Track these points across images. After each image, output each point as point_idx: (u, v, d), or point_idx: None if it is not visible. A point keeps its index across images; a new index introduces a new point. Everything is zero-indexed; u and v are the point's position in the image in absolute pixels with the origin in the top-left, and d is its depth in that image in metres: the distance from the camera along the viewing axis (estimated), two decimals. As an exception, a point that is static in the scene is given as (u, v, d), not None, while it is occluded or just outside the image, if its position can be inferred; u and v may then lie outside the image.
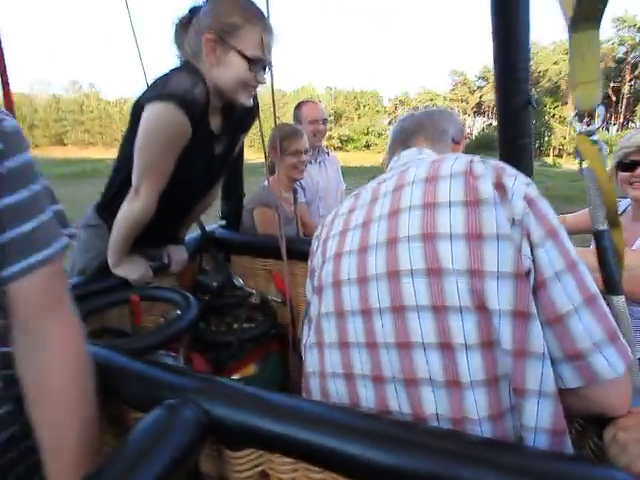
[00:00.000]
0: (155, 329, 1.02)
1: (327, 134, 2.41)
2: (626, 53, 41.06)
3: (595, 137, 0.71)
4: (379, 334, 0.59)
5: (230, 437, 0.57)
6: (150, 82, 1.03)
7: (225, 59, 1.01)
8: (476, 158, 0.63)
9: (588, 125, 0.71)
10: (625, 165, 1.30)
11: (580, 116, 0.71)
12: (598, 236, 0.72)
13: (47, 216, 0.59)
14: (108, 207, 1.16)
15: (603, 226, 0.71)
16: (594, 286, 0.55)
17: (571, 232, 1.39)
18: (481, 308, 0.53)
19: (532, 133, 1.29)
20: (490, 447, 0.49)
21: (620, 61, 40.92)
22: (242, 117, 1.20)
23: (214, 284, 1.40)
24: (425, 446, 0.49)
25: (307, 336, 0.72)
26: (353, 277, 0.63)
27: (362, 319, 0.61)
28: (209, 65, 1.02)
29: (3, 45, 0.99)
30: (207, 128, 1.08)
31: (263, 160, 1.60)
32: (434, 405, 0.55)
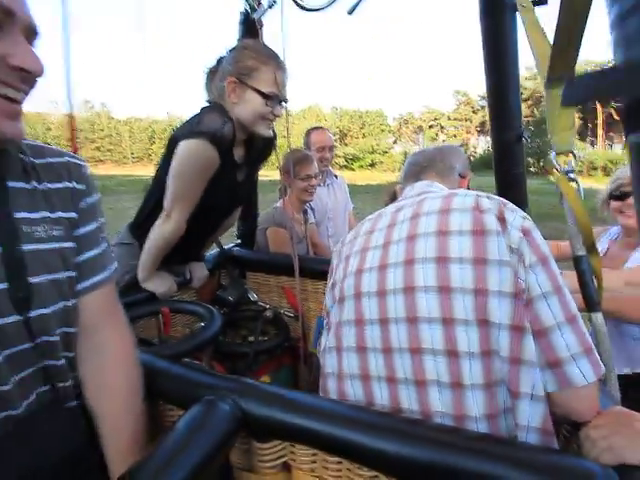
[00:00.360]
0: (187, 337, 1.13)
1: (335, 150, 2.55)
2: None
3: (572, 175, 0.82)
4: (394, 340, 0.69)
5: (259, 430, 0.67)
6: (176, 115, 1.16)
7: (244, 97, 1.15)
8: (482, 194, 0.75)
9: (566, 165, 0.83)
10: (616, 196, 1.41)
11: (558, 157, 0.83)
12: (577, 261, 0.83)
13: (106, 243, 0.73)
14: (141, 227, 1.28)
15: (581, 252, 0.82)
16: (575, 308, 0.65)
17: (559, 259, 1.49)
18: (483, 322, 0.63)
19: (524, 163, 1.41)
20: (483, 441, 0.59)
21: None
22: (261, 149, 1.34)
23: (231, 298, 1.51)
24: (427, 439, 0.58)
25: (326, 341, 0.82)
26: (373, 290, 0.73)
27: (380, 327, 0.71)
28: (232, 104, 1.16)
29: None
30: (232, 159, 1.21)
31: (269, 178, 1.73)
32: (439, 403, 0.65)
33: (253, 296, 1.66)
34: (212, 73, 1.23)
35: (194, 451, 0.59)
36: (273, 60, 1.15)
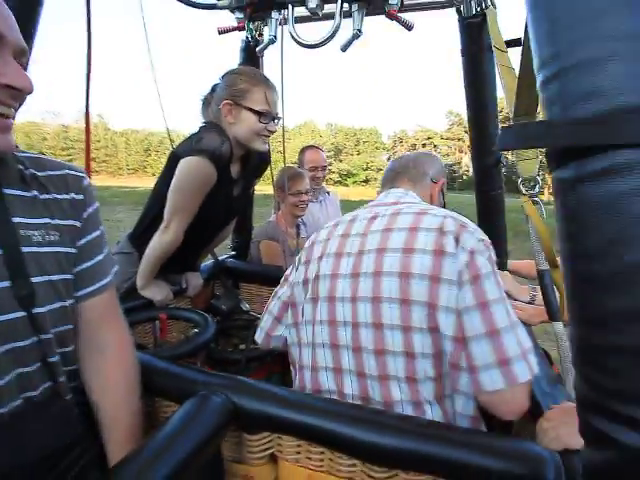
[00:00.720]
0: (183, 341, 1.19)
1: (327, 169, 2.65)
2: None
3: (535, 199, 0.92)
4: (363, 341, 0.80)
5: (249, 422, 0.74)
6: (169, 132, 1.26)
7: (240, 116, 1.25)
8: (450, 214, 0.84)
9: (532, 189, 0.93)
10: None
11: (524, 183, 0.92)
12: (540, 275, 0.92)
13: (107, 250, 0.79)
14: (140, 238, 1.35)
15: (544, 266, 0.91)
16: (502, 323, 0.72)
17: (519, 275, 1.59)
18: (434, 330, 0.75)
19: (502, 185, 1.52)
20: (446, 429, 0.67)
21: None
22: (257, 165, 1.43)
23: (224, 307, 1.57)
24: (390, 426, 0.66)
25: (291, 334, 0.96)
26: (347, 296, 0.83)
27: (351, 329, 0.82)
28: (229, 124, 1.25)
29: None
30: (228, 175, 1.30)
31: (263, 192, 1.82)
32: (399, 394, 0.77)
33: (245, 306, 1.72)
34: (207, 100, 1.34)
35: (187, 440, 0.64)
36: (263, 82, 1.27)
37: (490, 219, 1.56)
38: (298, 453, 0.75)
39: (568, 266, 0.44)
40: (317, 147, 2.53)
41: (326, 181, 2.59)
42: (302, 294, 0.94)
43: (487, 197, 1.53)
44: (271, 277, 1.73)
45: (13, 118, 0.59)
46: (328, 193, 2.48)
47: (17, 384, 0.63)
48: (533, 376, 0.72)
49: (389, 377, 0.78)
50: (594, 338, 0.41)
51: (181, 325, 1.43)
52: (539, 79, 0.46)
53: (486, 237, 0.81)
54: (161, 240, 1.26)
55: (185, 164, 1.18)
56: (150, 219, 1.34)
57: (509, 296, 1.39)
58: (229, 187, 1.34)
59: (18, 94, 0.58)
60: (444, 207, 1.05)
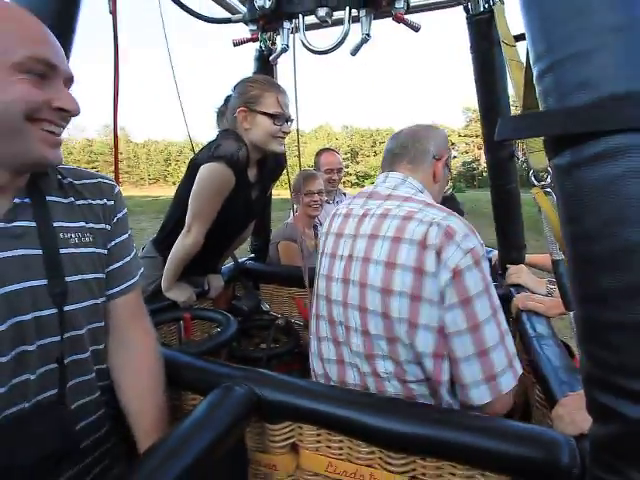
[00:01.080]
0: (206, 339, 1.24)
1: (344, 171, 2.68)
2: None
3: (548, 189, 0.92)
4: (354, 346, 0.88)
5: (271, 412, 0.77)
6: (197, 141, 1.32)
7: (255, 121, 1.30)
8: (438, 217, 0.79)
9: (543, 181, 0.93)
10: None
11: (536, 175, 0.93)
12: (555, 265, 0.92)
13: (134, 252, 0.84)
14: (163, 242, 1.42)
15: (558, 256, 0.92)
16: (491, 342, 0.76)
17: (536, 268, 1.59)
18: (413, 345, 0.79)
19: (517, 179, 1.51)
20: (469, 417, 0.69)
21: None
22: (273, 169, 1.47)
23: (245, 308, 1.62)
24: (407, 413, 0.69)
25: (315, 330, 1.00)
26: (339, 299, 0.90)
27: (345, 331, 0.90)
28: (245, 130, 1.30)
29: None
30: (246, 179, 1.35)
31: (280, 196, 1.86)
32: (383, 367, 0.84)
33: (266, 306, 1.77)
34: (221, 111, 1.41)
35: (210, 429, 0.67)
36: (273, 86, 1.32)
37: (506, 213, 1.56)
38: (318, 442, 0.77)
39: (569, 248, 0.46)
40: (332, 150, 2.56)
41: (343, 183, 2.62)
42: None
43: (502, 191, 1.52)
44: (290, 277, 1.78)
45: (60, 135, 0.67)
46: (344, 194, 2.51)
47: (42, 380, 0.66)
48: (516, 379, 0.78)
49: (380, 375, 0.85)
50: (595, 316, 0.42)
51: (204, 325, 1.49)
52: (535, 72, 0.48)
53: (477, 243, 0.78)
54: (183, 244, 1.32)
55: (204, 170, 1.23)
56: (172, 224, 1.40)
57: (527, 289, 1.38)
58: (247, 191, 1.39)
59: (68, 115, 0.66)
60: (450, 181, 1.06)
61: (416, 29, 1.27)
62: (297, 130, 1.41)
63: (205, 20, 1.52)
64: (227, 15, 1.62)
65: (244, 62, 1.79)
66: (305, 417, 0.74)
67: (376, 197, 0.94)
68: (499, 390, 0.76)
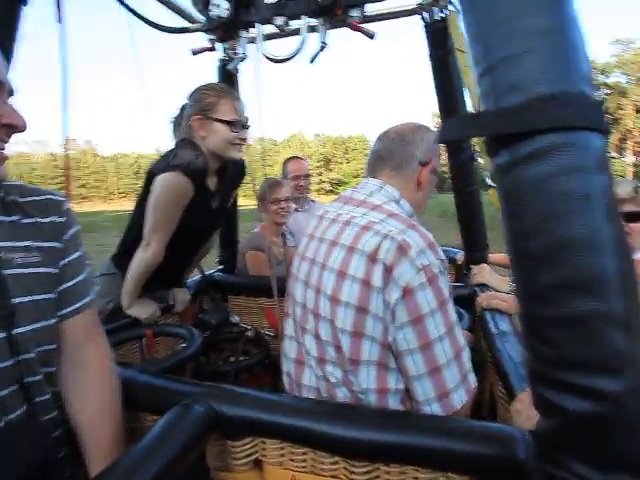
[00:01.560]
0: (169, 356, 1.20)
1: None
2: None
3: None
4: (309, 349, 0.89)
5: (231, 428, 0.74)
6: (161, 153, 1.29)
7: (212, 129, 1.28)
8: (393, 233, 0.76)
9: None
10: None
11: (490, 176, 0.96)
12: (511, 263, 0.94)
13: (88, 270, 0.81)
14: (123, 257, 1.36)
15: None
16: (443, 360, 0.74)
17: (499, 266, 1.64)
18: (356, 357, 0.79)
19: (477, 181, 1.55)
20: (425, 419, 0.68)
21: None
22: (233, 177, 1.45)
23: (213, 322, 1.58)
24: (367, 420, 0.69)
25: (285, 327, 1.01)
26: (300, 301, 0.91)
27: (303, 334, 0.90)
28: (201, 138, 1.28)
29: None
30: (206, 188, 1.32)
31: (249, 207, 1.84)
32: (332, 373, 0.83)
33: (235, 318, 1.73)
34: (177, 121, 1.38)
35: (166, 450, 0.64)
36: (228, 93, 1.31)
37: (469, 215, 1.59)
38: (282, 456, 0.75)
39: (510, 245, 0.46)
40: (299, 157, 2.56)
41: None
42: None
43: (464, 193, 1.56)
44: (259, 288, 1.75)
45: (4, 150, 0.65)
46: (313, 202, 2.51)
47: (11, 399, 0.64)
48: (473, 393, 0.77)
49: (330, 381, 0.84)
50: (535, 311, 0.43)
51: (169, 342, 1.44)
52: (475, 76, 0.49)
53: (433, 259, 0.76)
54: (142, 258, 1.27)
55: (161, 181, 1.20)
56: (131, 238, 1.35)
57: (491, 288, 1.41)
58: (207, 200, 1.36)
59: (15, 131, 0.65)
60: (441, 186, 1.06)
61: (371, 36, 1.29)
62: (261, 137, 1.40)
63: (163, 30, 1.50)
64: (186, 24, 1.60)
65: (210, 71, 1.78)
66: (267, 431, 0.72)
67: (352, 203, 0.91)
68: (451, 406, 0.75)
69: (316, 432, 0.68)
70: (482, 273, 1.46)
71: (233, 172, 1.44)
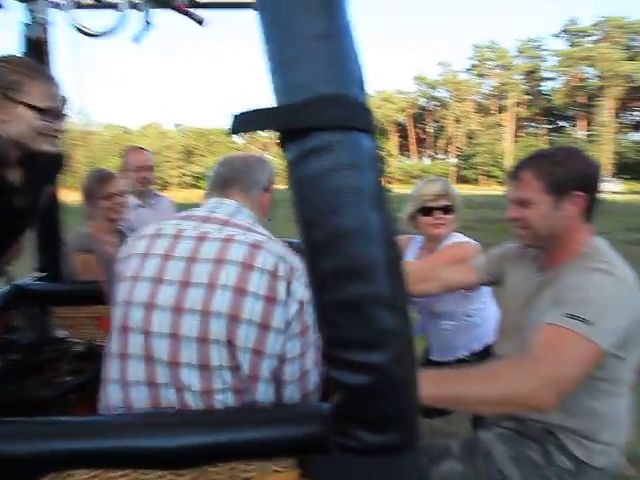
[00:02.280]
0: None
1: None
2: (427, 103, 52.75)
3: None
4: (160, 377, 0.79)
5: (20, 470, 0.62)
6: None
7: (15, 113, 1.05)
8: (282, 254, 0.80)
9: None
10: (424, 212, 1.58)
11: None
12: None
13: None
14: None
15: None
16: (309, 366, 0.82)
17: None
18: (255, 377, 0.78)
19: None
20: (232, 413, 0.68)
21: (422, 108, 52.50)
22: (45, 169, 1.22)
23: (23, 341, 1.32)
24: (173, 427, 0.65)
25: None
26: (139, 326, 0.80)
27: (144, 363, 0.80)
28: (1, 122, 1.04)
29: None
30: (5, 182, 1.08)
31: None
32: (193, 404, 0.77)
33: (61, 333, 1.48)
34: None
35: None
36: (42, 73, 1.09)
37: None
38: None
39: (300, 236, 0.49)
40: (141, 147, 2.35)
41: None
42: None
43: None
44: (91, 295, 1.53)
45: None
46: (158, 196, 2.32)
47: None
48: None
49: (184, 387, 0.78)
50: (319, 297, 0.46)
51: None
52: (268, 72, 0.50)
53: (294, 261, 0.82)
54: None
55: None
56: None
57: None
58: (7, 196, 1.12)
59: None
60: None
61: (200, 22, 1.23)
62: (75, 123, 1.21)
63: None
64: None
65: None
66: (66, 462, 0.63)
67: (214, 221, 0.86)
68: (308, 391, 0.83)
69: (123, 451, 0.62)
70: None
71: (44, 164, 1.20)
